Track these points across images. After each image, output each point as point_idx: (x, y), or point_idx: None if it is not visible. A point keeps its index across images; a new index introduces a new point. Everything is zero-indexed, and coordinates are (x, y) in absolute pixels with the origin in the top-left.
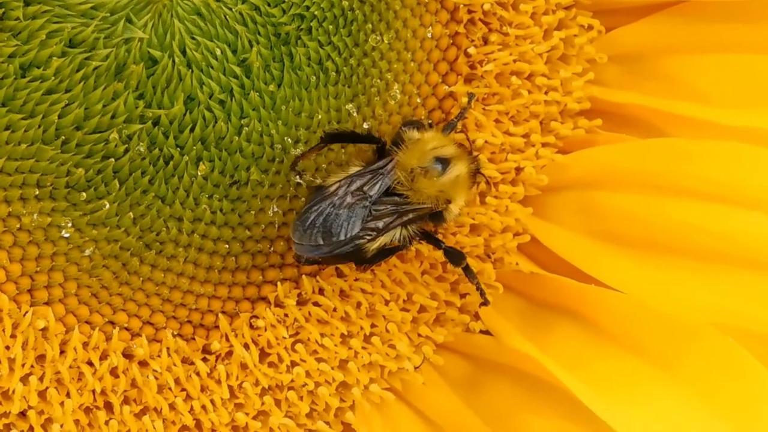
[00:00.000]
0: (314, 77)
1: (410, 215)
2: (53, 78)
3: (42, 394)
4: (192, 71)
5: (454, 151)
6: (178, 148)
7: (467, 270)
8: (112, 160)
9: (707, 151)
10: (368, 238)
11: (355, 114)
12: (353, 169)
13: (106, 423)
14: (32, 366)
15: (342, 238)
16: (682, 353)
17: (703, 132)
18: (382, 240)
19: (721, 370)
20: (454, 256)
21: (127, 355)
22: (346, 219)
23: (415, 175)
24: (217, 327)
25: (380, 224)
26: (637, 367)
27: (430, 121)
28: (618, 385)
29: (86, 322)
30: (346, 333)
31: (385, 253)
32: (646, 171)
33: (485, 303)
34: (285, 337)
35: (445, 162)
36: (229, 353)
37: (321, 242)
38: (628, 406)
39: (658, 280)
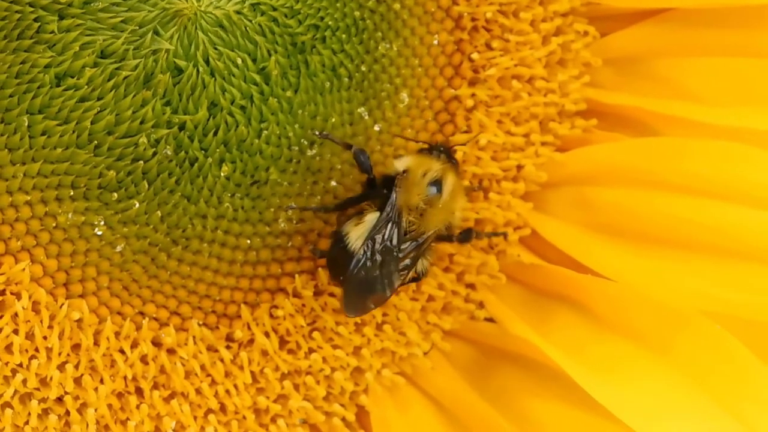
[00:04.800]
0: (328, 83)
1: (429, 242)
2: (86, 87)
3: (77, 381)
4: (215, 79)
5: (439, 165)
6: (203, 151)
7: (479, 235)
8: (141, 162)
9: (698, 149)
10: (402, 278)
11: (366, 117)
12: (368, 218)
13: (137, 407)
14: (68, 354)
15: (389, 294)
16: (673, 339)
17: (694, 131)
18: (411, 274)
19: (710, 355)
20: (466, 237)
21: (156, 344)
22: (386, 276)
23: (421, 210)
24: (239, 317)
25: (408, 262)
26: (632, 351)
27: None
28: (613, 369)
29: (118, 313)
30: (359, 321)
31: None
32: (639, 168)
33: (505, 235)
34: (303, 326)
35: (438, 183)
36: (251, 341)
37: (374, 307)
38: (622, 387)
39: (650, 269)
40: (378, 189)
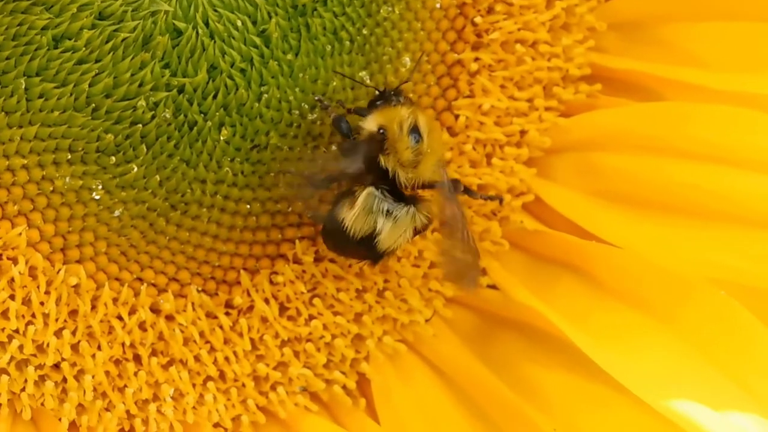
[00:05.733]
0: (329, 46)
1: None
2: (84, 49)
3: (75, 347)
4: (215, 41)
5: (406, 111)
6: (202, 114)
7: (472, 194)
8: (140, 125)
9: (704, 114)
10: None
11: (368, 81)
12: (361, 196)
13: (135, 374)
14: (65, 321)
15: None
16: (678, 306)
17: (699, 96)
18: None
19: (715, 322)
20: (455, 188)
21: (155, 310)
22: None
23: (414, 162)
24: (238, 283)
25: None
26: (636, 319)
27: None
28: (617, 336)
29: (116, 279)
30: (360, 288)
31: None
32: (644, 133)
33: (500, 199)
34: (303, 292)
35: (416, 129)
36: (251, 308)
37: None
38: (627, 355)
39: (655, 236)
40: (360, 157)
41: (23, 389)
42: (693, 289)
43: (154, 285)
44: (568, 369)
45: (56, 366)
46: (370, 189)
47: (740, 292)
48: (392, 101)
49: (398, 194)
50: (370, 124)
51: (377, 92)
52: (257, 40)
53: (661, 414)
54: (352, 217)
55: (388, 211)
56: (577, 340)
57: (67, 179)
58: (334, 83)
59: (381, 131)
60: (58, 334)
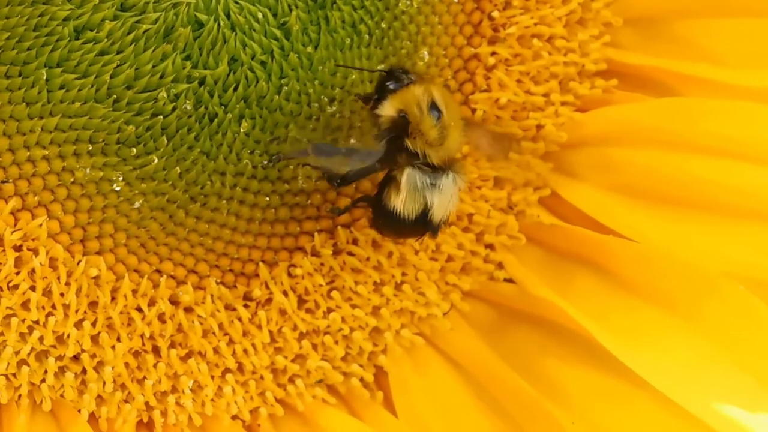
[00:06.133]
0: (348, 39)
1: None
2: (105, 40)
3: (94, 339)
4: (236, 34)
5: (420, 89)
6: (222, 107)
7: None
8: (161, 117)
9: (721, 110)
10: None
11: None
12: (405, 180)
13: (155, 366)
14: (85, 312)
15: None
16: (699, 302)
17: (716, 92)
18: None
19: (737, 319)
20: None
21: (174, 302)
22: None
23: (442, 139)
24: (257, 275)
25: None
26: (656, 315)
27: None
28: (635, 331)
29: (135, 271)
30: (378, 281)
31: None
32: (661, 128)
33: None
34: (321, 285)
35: (434, 105)
36: (269, 300)
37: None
38: (649, 352)
39: (672, 231)
40: (387, 149)
41: (43, 380)
42: (711, 283)
43: (173, 277)
44: (585, 363)
45: (76, 357)
46: (408, 169)
47: (756, 287)
48: (404, 80)
49: (434, 165)
50: (388, 109)
51: (384, 74)
52: (278, 33)
53: (678, 409)
54: (402, 200)
55: (432, 183)
56: (598, 335)
57: (88, 170)
58: (353, 76)
59: (402, 115)
60: (78, 325)
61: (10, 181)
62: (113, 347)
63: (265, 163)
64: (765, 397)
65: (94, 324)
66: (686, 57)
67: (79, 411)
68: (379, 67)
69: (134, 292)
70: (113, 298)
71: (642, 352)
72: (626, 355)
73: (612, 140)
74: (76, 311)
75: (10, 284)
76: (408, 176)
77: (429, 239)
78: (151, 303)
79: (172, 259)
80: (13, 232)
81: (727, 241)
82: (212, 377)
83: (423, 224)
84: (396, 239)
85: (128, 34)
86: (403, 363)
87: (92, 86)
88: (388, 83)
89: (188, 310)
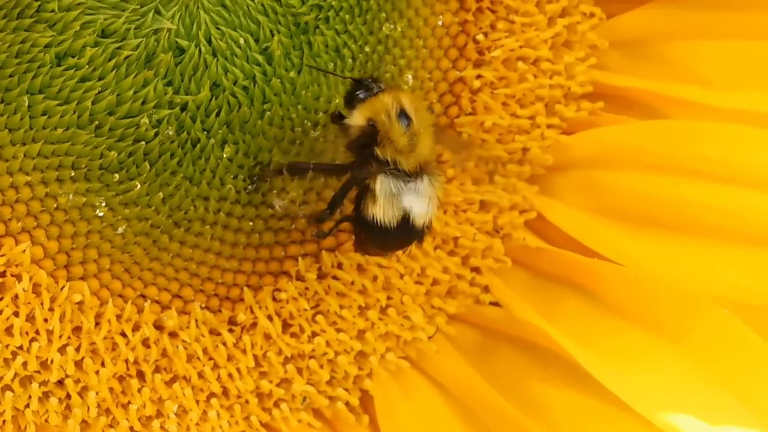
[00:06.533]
0: (332, 64)
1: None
2: (87, 66)
3: (78, 364)
4: (217, 59)
5: (389, 97)
6: (205, 132)
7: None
8: (143, 143)
9: (708, 132)
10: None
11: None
12: (379, 188)
13: (139, 390)
14: (69, 337)
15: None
16: (683, 324)
17: (702, 114)
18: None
19: (720, 342)
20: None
21: (158, 327)
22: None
23: (411, 146)
24: (242, 300)
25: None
26: (640, 337)
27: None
28: (620, 354)
29: (119, 296)
30: (363, 305)
31: None
32: (647, 150)
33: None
34: (306, 309)
35: (403, 112)
36: (254, 324)
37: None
38: (630, 373)
39: (659, 254)
40: (356, 160)
41: (27, 405)
42: (696, 306)
43: (157, 302)
44: (571, 386)
45: (60, 382)
46: (381, 176)
47: (741, 310)
48: (373, 89)
49: (406, 171)
50: (357, 119)
51: (354, 82)
52: (260, 58)
53: None
54: (380, 208)
55: (407, 188)
56: (580, 358)
57: (71, 196)
58: (337, 100)
59: (371, 124)
60: (62, 350)
61: None
62: (97, 372)
63: (248, 187)
64: (750, 420)
65: (78, 349)
66: (673, 79)
67: None
68: (346, 74)
69: (118, 317)
70: (97, 324)
71: (628, 375)
72: (609, 378)
73: (598, 163)
74: (60, 336)
75: None
76: (381, 183)
77: (416, 249)
78: (136, 328)
79: (157, 284)
80: None
81: (714, 264)
82: (197, 402)
83: (406, 232)
84: (383, 254)
85: (109, 60)
86: (388, 387)
87: (74, 112)
88: (357, 92)
89: (173, 334)
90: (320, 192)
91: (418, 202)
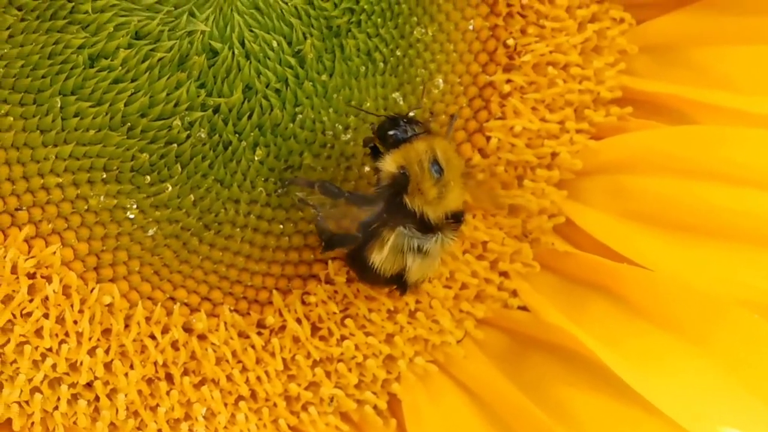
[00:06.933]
0: (363, 67)
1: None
2: (120, 68)
3: (107, 366)
4: (250, 62)
5: (424, 144)
6: (237, 135)
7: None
8: (175, 145)
9: (737, 137)
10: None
11: (401, 102)
12: (392, 239)
13: (167, 393)
14: (98, 339)
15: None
16: (711, 328)
17: (731, 120)
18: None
19: (748, 346)
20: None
21: (187, 329)
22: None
23: (441, 196)
24: (271, 303)
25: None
26: (668, 340)
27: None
28: (649, 358)
29: (149, 298)
30: (392, 309)
31: None
32: (676, 155)
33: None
34: (335, 313)
35: (436, 161)
36: (283, 327)
37: None
38: (659, 377)
39: (687, 258)
40: (386, 205)
41: (56, 408)
42: (724, 311)
43: (186, 304)
44: (599, 390)
45: (89, 385)
46: (399, 229)
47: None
48: (408, 133)
49: (426, 226)
50: (389, 164)
51: (387, 120)
52: (292, 61)
53: None
54: (382, 259)
55: (418, 247)
56: (607, 360)
57: (102, 198)
58: (368, 104)
59: (402, 172)
60: (91, 352)
61: (24, 208)
62: (126, 374)
63: (279, 190)
64: None
65: (107, 351)
66: (702, 84)
67: None
68: (393, 95)
69: (147, 319)
70: (126, 326)
71: (653, 378)
72: (636, 381)
73: (627, 168)
74: (90, 339)
75: (24, 311)
76: (396, 237)
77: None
78: (165, 330)
79: (186, 287)
80: (27, 259)
81: (742, 268)
82: (225, 404)
83: (395, 281)
84: (364, 283)
85: (143, 62)
86: (416, 390)
87: (106, 114)
88: (390, 132)
89: (202, 337)
90: None
91: (419, 263)
